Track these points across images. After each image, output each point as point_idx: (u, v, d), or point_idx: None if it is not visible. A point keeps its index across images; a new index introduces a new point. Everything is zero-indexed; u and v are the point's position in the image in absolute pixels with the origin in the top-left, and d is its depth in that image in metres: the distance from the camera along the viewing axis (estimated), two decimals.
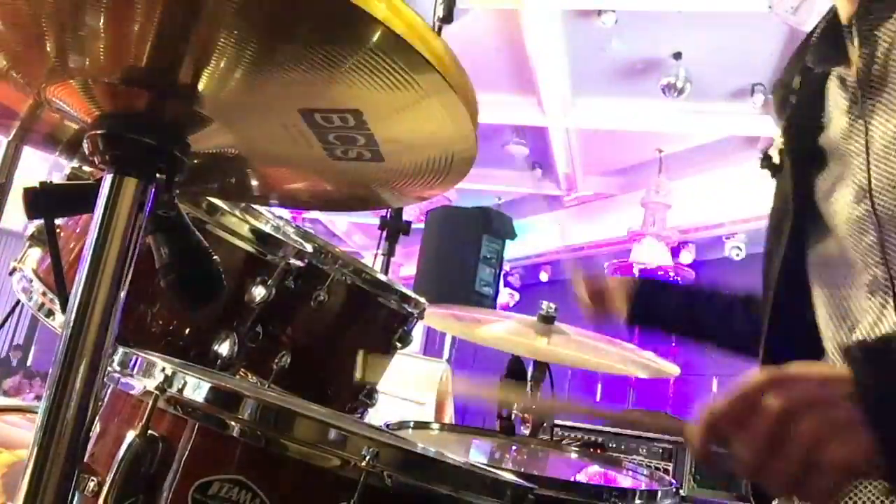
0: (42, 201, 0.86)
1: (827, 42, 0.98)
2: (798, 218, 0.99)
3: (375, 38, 0.63)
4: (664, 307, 1.45)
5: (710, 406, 0.69)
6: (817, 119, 0.97)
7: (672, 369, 2.00)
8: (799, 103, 1.03)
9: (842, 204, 0.92)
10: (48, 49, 0.72)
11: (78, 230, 1.29)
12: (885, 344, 0.82)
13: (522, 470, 1.60)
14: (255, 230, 1.28)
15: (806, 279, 1.00)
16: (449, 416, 4.22)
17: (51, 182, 0.86)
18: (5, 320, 1.89)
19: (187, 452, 0.81)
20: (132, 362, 0.89)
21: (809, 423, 0.64)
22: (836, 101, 0.95)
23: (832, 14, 0.99)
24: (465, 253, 4.79)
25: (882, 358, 0.71)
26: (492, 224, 4.92)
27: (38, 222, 1.31)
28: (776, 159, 1.06)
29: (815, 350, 0.97)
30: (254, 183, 1.00)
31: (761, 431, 0.65)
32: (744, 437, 0.67)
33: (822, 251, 0.98)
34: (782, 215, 1.02)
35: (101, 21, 0.67)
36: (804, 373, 0.70)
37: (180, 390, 0.82)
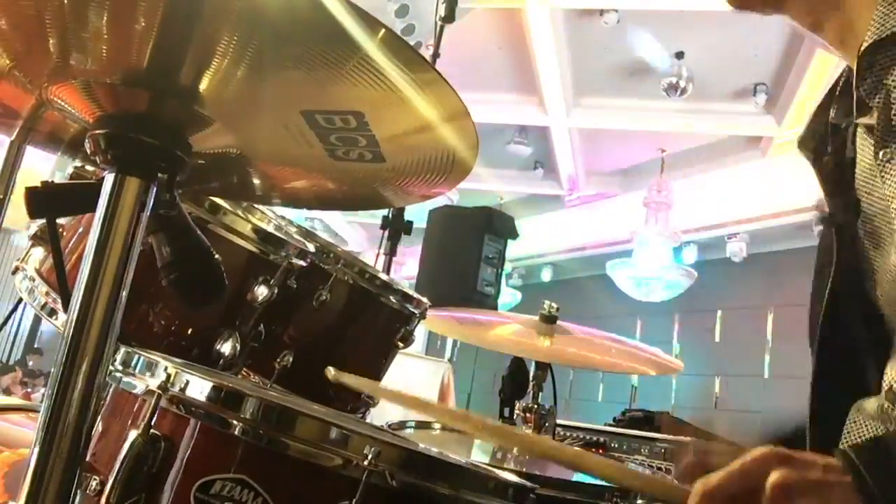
0: (44, 201, 0.86)
1: (848, 95, 0.98)
2: (842, 273, 1.00)
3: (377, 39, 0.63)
4: None
5: (709, 479, 0.69)
6: (853, 173, 0.99)
7: (676, 365, 1.99)
8: (835, 163, 1.03)
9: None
10: (51, 49, 0.72)
11: (80, 229, 1.29)
12: (877, 445, 0.83)
13: (524, 469, 1.60)
14: (257, 229, 1.28)
15: (849, 322, 1.01)
16: None
17: (53, 182, 0.86)
18: (7, 319, 1.89)
19: (189, 451, 0.81)
20: (134, 361, 0.90)
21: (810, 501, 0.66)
22: (864, 150, 0.96)
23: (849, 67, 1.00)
24: (466, 253, 4.79)
25: (882, 460, 0.71)
26: (493, 224, 4.91)
27: (41, 221, 1.31)
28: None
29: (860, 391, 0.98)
30: (256, 182, 1.00)
31: None
32: None
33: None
34: (825, 265, 1.04)
35: (104, 22, 0.67)
36: (807, 456, 0.71)
37: (182, 389, 0.83)
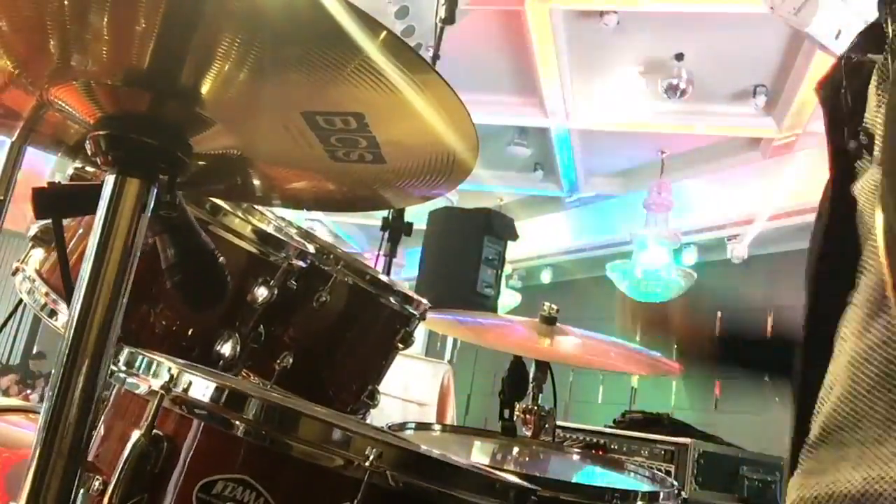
0: (50, 202, 0.86)
1: (866, 35, 0.98)
2: (838, 216, 0.99)
3: (378, 41, 0.63)
4: None
5: None
6: (862, 115, 0.97)
7: (673, 368, 2.00)
8: (852, 97, 1.02)
9: (867, 181, 0.91)
10: (52, 51, 0.73)
11: (80, 231, 1.30)
12: None
13: (524, 471, 1.60)
14: (257, 231, 1.28)
15: (842, 280, 1.00)
16: (450, 418, 4.22)
17: (59, 183, 0.87)
18: (7, 320, 1.89)
19: (192, 452, 0.81)
20: (138, 362, 0.90)
21: None
22: (873, 89, 0.95)
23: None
24: (466, 254, 4.79)
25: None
26: (493, 225, 4.91)
27: (42, 223, 1.31)
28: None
29: None
30: (256, 184, 1.00)
31: None
32: None
33: None
34: (822, 214, 1.03)
35: (105, 23, 0.67)
36: None
37: (185, 390, 0.83)
